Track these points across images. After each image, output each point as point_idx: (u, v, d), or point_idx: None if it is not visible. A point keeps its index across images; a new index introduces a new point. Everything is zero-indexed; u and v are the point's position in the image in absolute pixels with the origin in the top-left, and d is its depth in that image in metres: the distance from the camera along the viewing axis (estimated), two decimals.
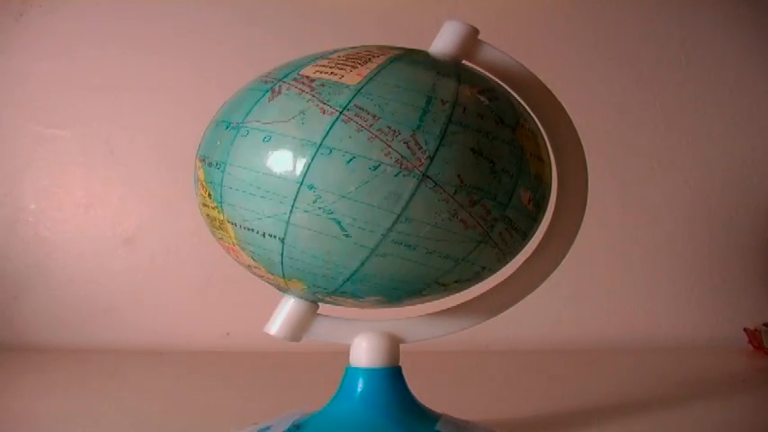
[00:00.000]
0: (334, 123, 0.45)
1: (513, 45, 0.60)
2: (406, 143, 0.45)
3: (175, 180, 1.07)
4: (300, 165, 0.45)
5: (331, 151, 0.45)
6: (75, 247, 1.09)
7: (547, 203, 0.53)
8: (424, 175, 0.45)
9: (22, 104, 1.09)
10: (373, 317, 0.57)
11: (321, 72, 0.48)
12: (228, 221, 0.49)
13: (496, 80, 0.54)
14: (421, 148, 0.45)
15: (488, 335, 0.87)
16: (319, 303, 0.55)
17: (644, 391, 0.79)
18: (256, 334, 0.58)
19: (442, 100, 0.46)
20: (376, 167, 0.44)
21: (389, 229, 0.45)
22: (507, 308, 0.58)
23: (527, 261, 0.59)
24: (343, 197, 0.45)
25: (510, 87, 0.55)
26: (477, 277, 0.51)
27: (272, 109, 0.47)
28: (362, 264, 0.47)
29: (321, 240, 0.46)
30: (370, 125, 0.45)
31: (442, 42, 0.53)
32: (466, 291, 0.54)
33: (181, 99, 1.09)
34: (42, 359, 0.97)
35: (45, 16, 1.10)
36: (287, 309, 0.55)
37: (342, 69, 0.48)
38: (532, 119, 0.53)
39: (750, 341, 1.02)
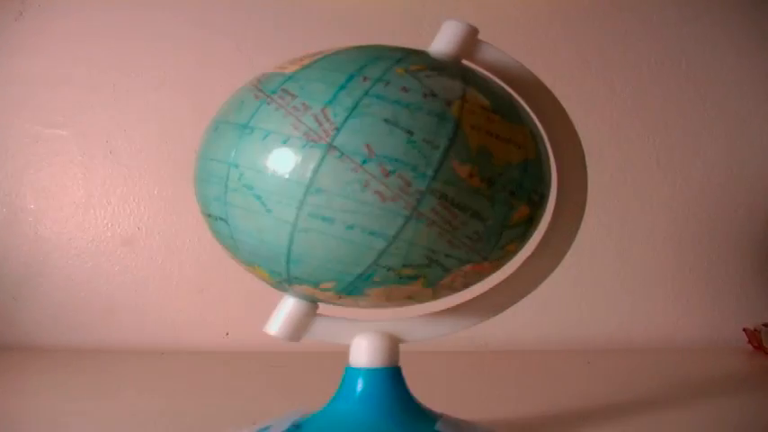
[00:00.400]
0: (260, 107, 0.48)
1: (513, 45, 0.60)
2: (314, 116, 0.46)
3: (175, 180, 1.07)
4: (230, 146, 0.48)
5: (252, 131, 0.47)
6: (75, 247, 1.09)
7: (521, 186, 0.49)
8: (330, 146, 0.45)
9: (21, 104, 1.09)
10: (373, 317, 0.57)
11: (277, 68, 0.51)
12: (201, 212, 0.53)
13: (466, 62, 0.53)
14: (329, 120, 0.46)
15: (488, 335, 0.87)
16: (318, 303, 0.55)
17: (644, 391, 0.79)
18: (255, 334, 0.58)
19: (364, 77, 0.47)
20: (286, 141, 0.46)
21: (302, 201, 0.46)
22: (507, 308, 0.58)
23: (527, 260, 0.59)
24: (259, 172, 0.47)
25: (510, 87, 0.55)
26: (438, 265, 0.48)
27: (227, 103, 0.51)
28: (291, 241, 0.47)
29: (250, 218, 0.48)
30: (288, 104, 0.47)
31: (442, 42, 0.53)
32: (467, 291, 0.54)
33: (181, 99, 1.09)
34: (41, 359, 0.97)
35: (44, 15, 1.10)
36: (286, 309, 0.55)
37: (292, 63, 0.50)
38: (500, 99, 0.51)
39: (750, 341, 1.02)
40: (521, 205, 0.49)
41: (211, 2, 1.11)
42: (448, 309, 0.58)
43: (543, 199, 0.52)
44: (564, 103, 0.57)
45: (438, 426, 0.55)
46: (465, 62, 0.54)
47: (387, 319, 0.57)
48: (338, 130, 0.45)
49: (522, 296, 0.59)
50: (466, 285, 0.53)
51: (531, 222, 0.52)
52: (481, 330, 0.61)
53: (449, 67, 0.50)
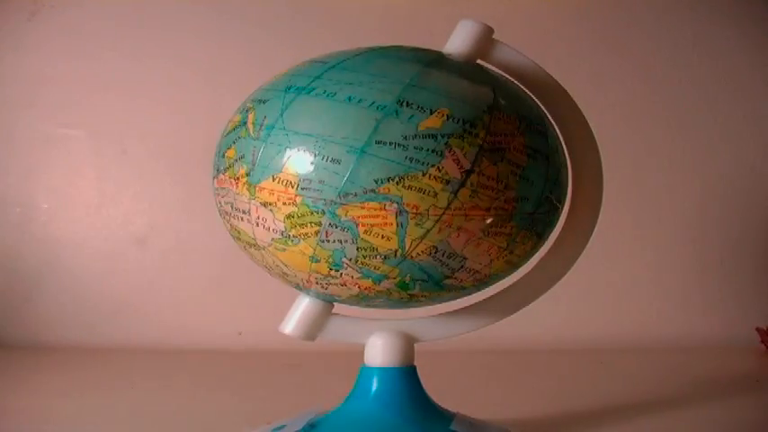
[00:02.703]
0: None
1: (525, 44, 0.60)
2: None
3: (187, 179, 1.07)
4: None
5: None
6: (88, 247, 1.09)
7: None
8: None
9: (34, 104, 1.10)
10: (388, 316, 0.57)
11: None
12: None
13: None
14: None
15: (502, 334, 0.86)
16: (334, 303, 0.55)
17: (657, 390, 0.79)
18: (268, 333, 0.58)
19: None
20: None
21: None
22: (522, 307, 0.58)
23: (542, 260, 0.59)
24: None
25: (525, 86, 0.55)
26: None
27: None
28: None
29: None
30: None
31: (457, 42, 0.53)
32: (484, 292, 0.54)
33: (193, 99, 1.09)
34: (54, 358, 0.98)
35: (57, 16, 1.10)
36: (302, 308, 0.55)
37: None
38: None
39: (762, 340, 1.02)
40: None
41: (225, 5, 1.11)
42: (463, 308, 0.58)
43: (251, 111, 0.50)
44: (578, 102, 0.57)
45: (453, 425, 0.55)
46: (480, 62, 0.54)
47: (402, 319, 0.57)
48: None
49: (537, 296, 0.58)
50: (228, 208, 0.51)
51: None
52: (495, 330, 0.61)
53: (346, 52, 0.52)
